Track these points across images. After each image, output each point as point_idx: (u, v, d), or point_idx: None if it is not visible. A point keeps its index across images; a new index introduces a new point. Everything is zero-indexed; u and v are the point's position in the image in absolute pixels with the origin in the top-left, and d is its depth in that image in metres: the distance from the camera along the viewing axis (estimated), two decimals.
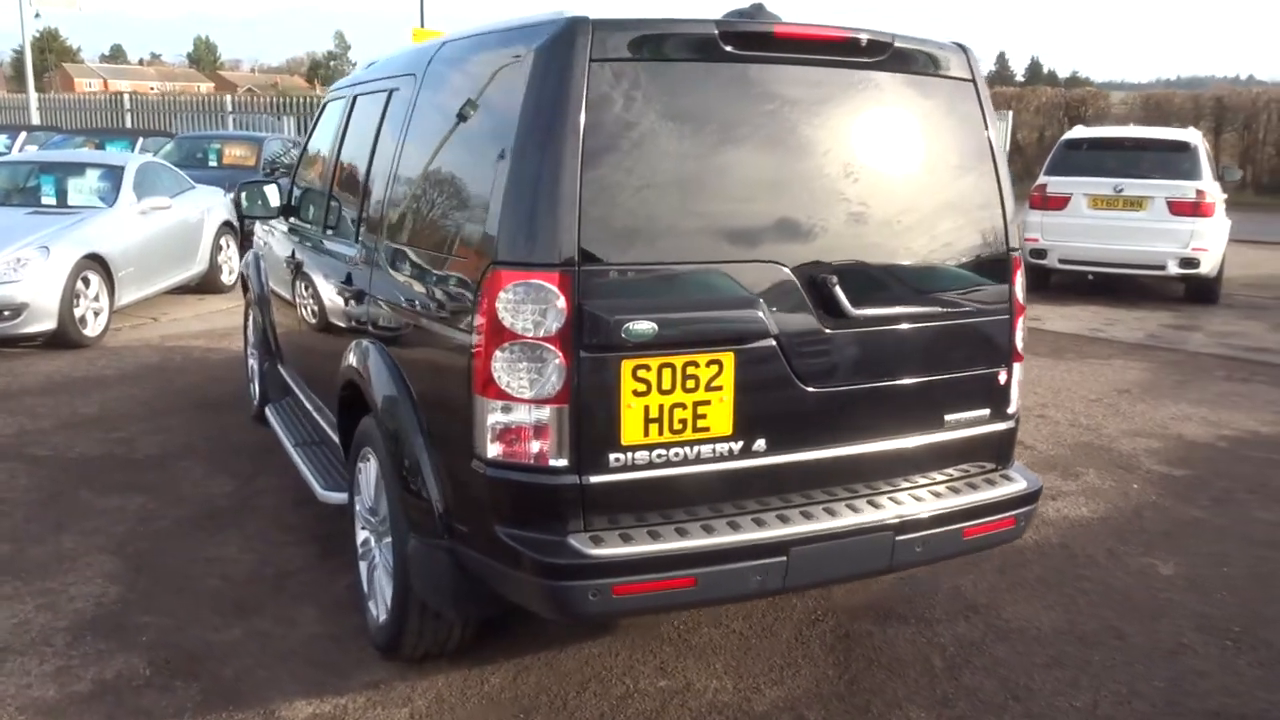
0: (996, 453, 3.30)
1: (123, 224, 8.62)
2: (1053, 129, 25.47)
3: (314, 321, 4.41)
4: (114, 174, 8.99)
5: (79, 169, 9.12)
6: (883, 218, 3.01)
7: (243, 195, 5.06)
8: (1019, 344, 3.30)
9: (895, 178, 3.05)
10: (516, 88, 2.74)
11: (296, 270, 4.63)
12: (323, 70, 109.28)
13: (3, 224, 8.04)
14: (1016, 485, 3.23)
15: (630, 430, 2.71)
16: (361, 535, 3.70)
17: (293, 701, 3.23)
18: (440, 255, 3.02)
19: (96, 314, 8.06)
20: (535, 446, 2.68)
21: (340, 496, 3.94)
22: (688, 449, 2.78)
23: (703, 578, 2.71)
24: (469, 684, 3.33)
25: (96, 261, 8.04)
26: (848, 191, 2.96)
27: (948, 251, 3.14)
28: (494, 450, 2.71)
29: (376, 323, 3.44)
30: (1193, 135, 11.66)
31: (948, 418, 3.16)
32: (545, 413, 2.66)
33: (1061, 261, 11.07)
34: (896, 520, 2.96)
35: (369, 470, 3.51)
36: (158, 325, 9.01)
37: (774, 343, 2.83)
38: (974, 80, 3.18)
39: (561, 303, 2.61)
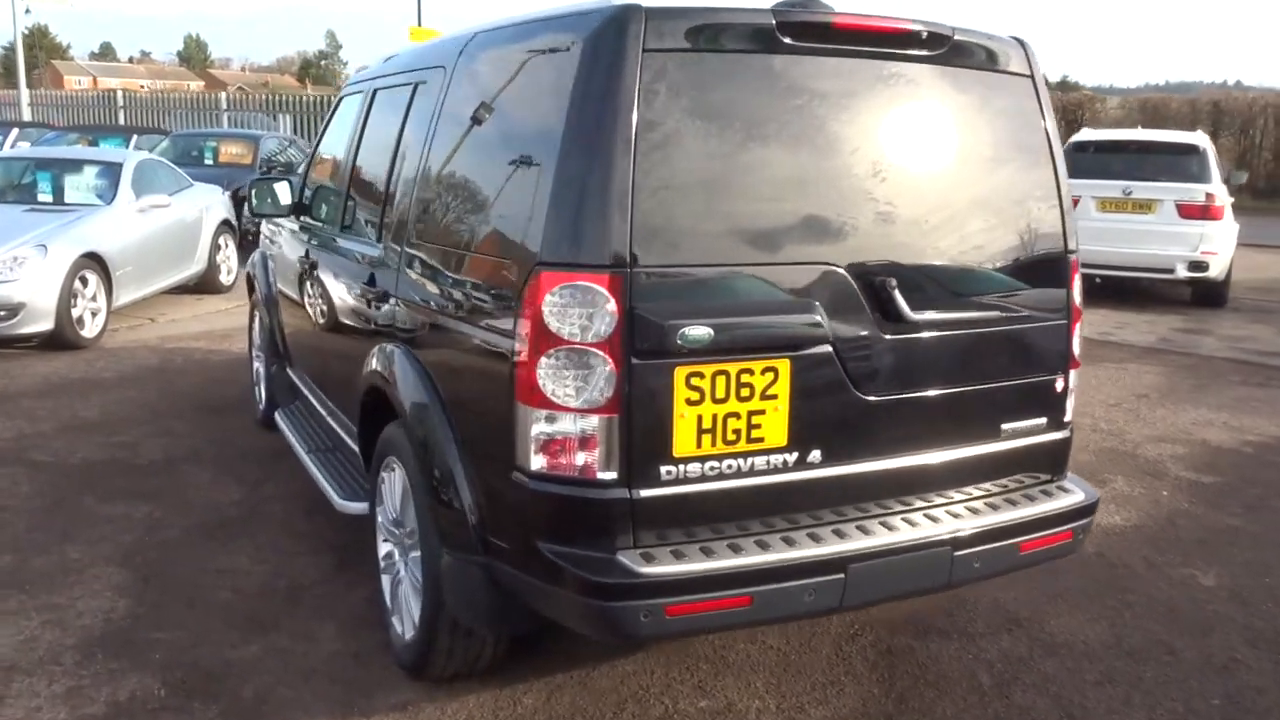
0: (1052, 463, 3.17)
1: (121, 222, 8.44)
2: None
3: (330, 324, 4.25)
4: (112, 171, 8.81)
5: (76, 166, 8.94)
6: (939, 218, 2.87)
7: (253, 192, 4.90)
8: (1076, 350, 3.17)
9: (951, 176, 2.91)
10: (563, 79, 2.60)
11: (310, 271, 4.47)
12: (314, 69, 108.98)
13: None
14: (1074, 497, 3.10)
15: (683, 441, 2.57)
16: (384, 548, 3.55)
17: None
18: (476, 256, 2.87)
19: (94, 314, 7.88)
20: (582, 458, 2.54)
21: (359, 507, 3.79)
22: (741, 461, 2.64)
23: (758, 597, 2.57)
24: (500, 705, 3.19)
25: (94, 260, 7.86)
26: (904, 190, 2.83)
27: (1005, 253, 3.01)
28: (537, 462, 2.56)
29: (403, 326, 3.29)
30: (1200, 138, 11.58)
31: (1004, 427, 3.02)
32: (593, 423, 2.51)
33: None
34: (954, 535, 2.82)
35: (393, 480, 3.36)
36: (156, 326, 8.83)
37: (830, 349, 2.69)
38: (1032, 76, 3.05)
39: (612, 306, 2.47)
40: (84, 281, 7.72)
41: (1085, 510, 3.10)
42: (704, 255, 2.57)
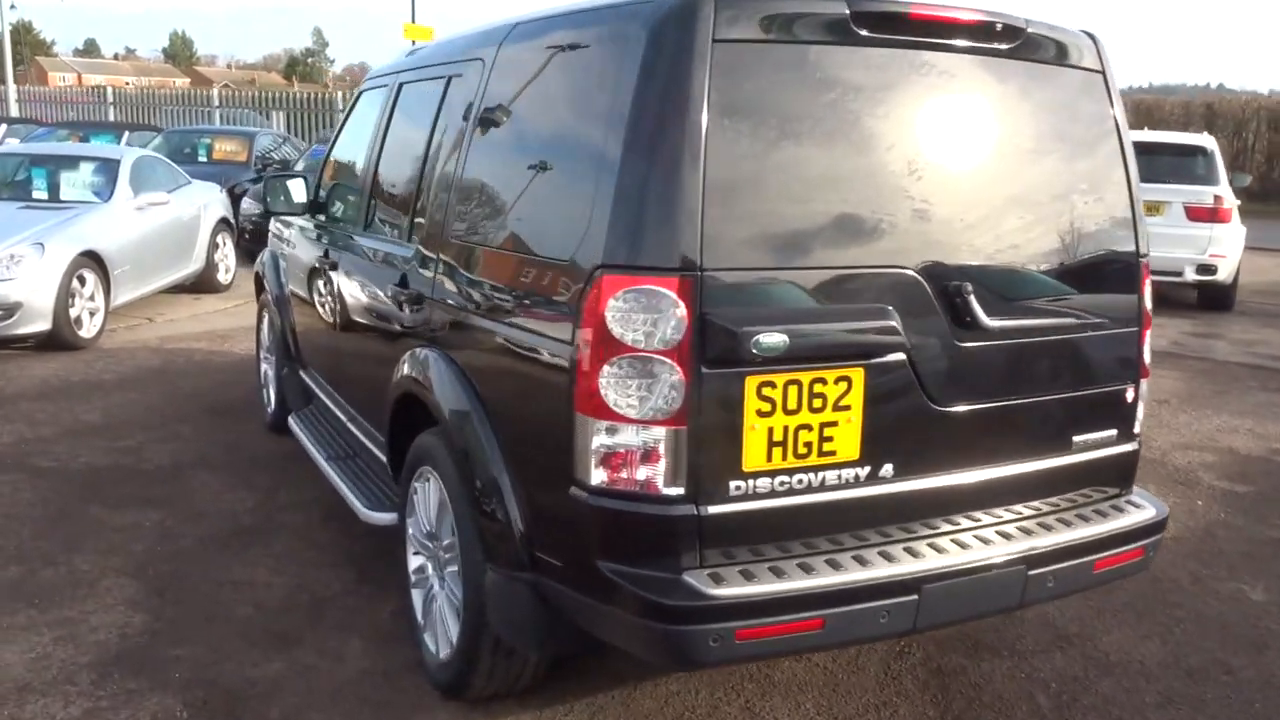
0: (1121, 476, 3.04)
1: (119, 220, 8.25)
2: None
3: (352, 326, 4.09)
4: (109, 168, 8.61)
5: (72, 162, 8.73)
6: (1011, 219, 2.74)
7: (266, 189, 4.74)
8: (1147, 358, 3.04)
9: (1023, 176, 2.78)
10: (624, 72, 2.45)
11: (329, 271, 4.31)
12: (300, 67, 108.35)
13: None
14: (1145, 513, 2.97)
15: (752, 455, 2.42)
16: (415, 561, 3.40)
17: None
18: (526, 258, 2.72)
19: (92, 314, 7.69)
20: (646, 473, 2.39)
21: (386, 517, 3.64)
22: (812, 475, 2.50)
23: (831, 619, 2.43)
24: None
25: (92, 259, 7.67)
26: (977, 190, 2.69)
27: (1076, 257, 2.88)
28: (598, 476, 2.42)
29: (441, 330, 3.14)
30: (1208, 140, 11.51)
31: (1075, 439, 2.89)
32: (659, 435, 2.37)
33: None
34: (1029, 553, 2.69)
35: (428, 491, 3.21)
36: (154, 326, 8.63)
37: (904, 357, 2.55)
38: (1104, 72, 2.92)
39: (681, 311, 2.32)
40: (82, 281, 7.53)
41: (1157, 526, 2.97)
42: (775, 258, 2.43)
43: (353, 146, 4.45)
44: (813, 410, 2.46)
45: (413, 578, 3.40)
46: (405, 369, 3.32)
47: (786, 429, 2.44)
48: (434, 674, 3.18)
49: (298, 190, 4.81)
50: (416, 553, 3.39)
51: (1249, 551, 4.55)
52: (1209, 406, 7.08)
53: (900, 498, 2.62)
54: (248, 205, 11.77)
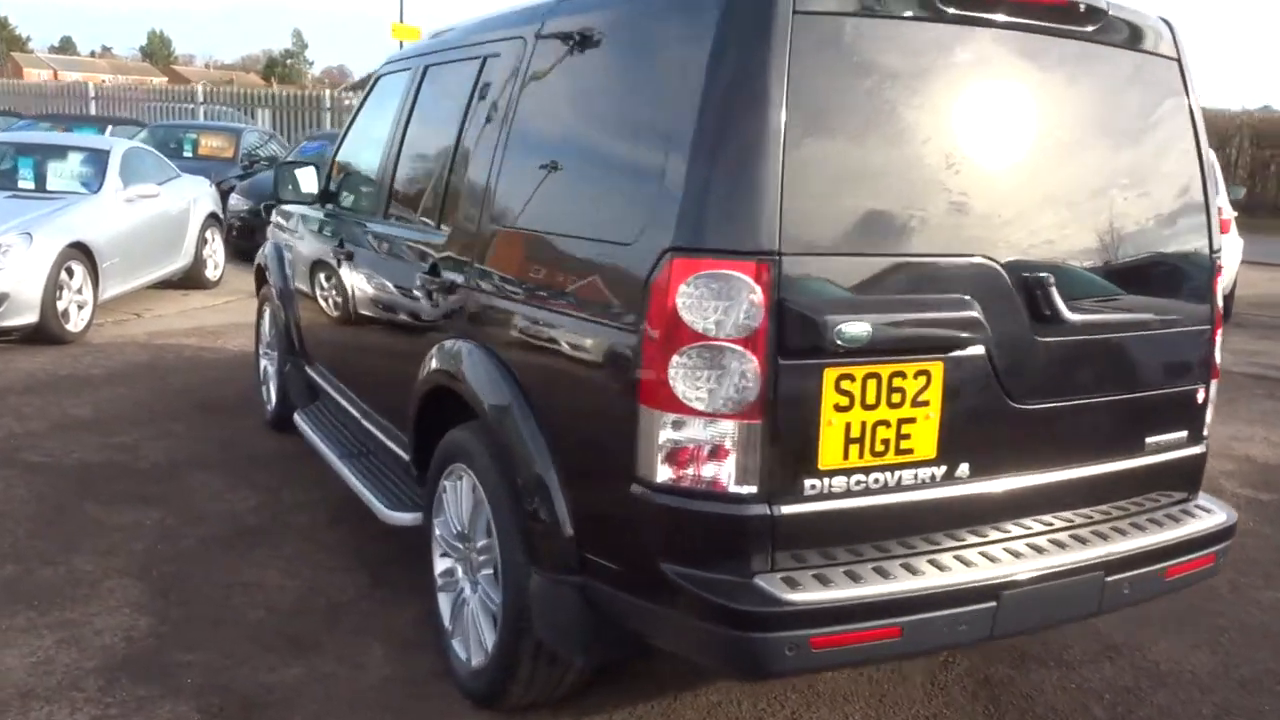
0: (1189, 480, 2.92)
1: (108, 212, 8.02)
2: None
3: (371, 318, 3.92)
4: (99, 158, 8.38)
5: (60, 152, 8.49)
6: (1091, 210, 2.62)
7: (276, 178, 4.56)
8: (1217, 358, 2.92)
9: (1100, 164, 2.66)
10: (695, 45, 2.30)
11: (344, 262, 4.13)
12: (279, 68, 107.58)
13: None
14: (1216, 518, 2.85)
15: (829, 452, 2.28)
16: (443, 564, 3.23)
17: None
18: (583, 241, 2.56)
19: (80, 307, 7.45)
20: (716, 469, 2.24)
21: (409, 518, 3.47)
22: (888, 475, 2.35)
23: (909, 627, 2.28)
24: None
25: (81, 251, 7.43)
26: (1057, 178, 2.57)
27: (1153, 251, 2.76)
28: (664, 473, 2.26)
29: (478, 320, 2.97)
30: (1207, 151, 11.47)
31: (1148, 440, 2.77)
32: (732, 429, 2.22)
33: None
34: (1107, 558, 2.56)
35: (460, 490, 3.04)
36: (142, 321, 8.40)
37: (983, 350, 2.41)
38: (1180, 60, 2.80)
39: (758, 297, 2.18)
40: (70, 273, 7.30)
41: (1227, 532, 2.85)
42: (854, 243, 2.29)
43: (369, 134, 4.28)
44: (891, 405, 2.32)
45: (439, 581, 3.23)
46: (435, 362, 3.15)
47: (864, 425, 2.30)
48: (465, 682, 3.01)
49: (308, 179, 4.64)
50: (444, 554, 3.22)
51: None
52: (1220, 415, 6.99)
53: (975, 499, 2.48)
54: (235, 201, 11.55)
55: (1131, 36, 2.70)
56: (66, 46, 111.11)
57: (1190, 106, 2.81)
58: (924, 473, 2.39)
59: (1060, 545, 2.54)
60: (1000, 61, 2.47)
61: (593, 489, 2.52)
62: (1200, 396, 2.88)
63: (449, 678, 3.12)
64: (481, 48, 3.34)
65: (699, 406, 2.22)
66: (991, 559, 2.43)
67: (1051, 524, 2.63)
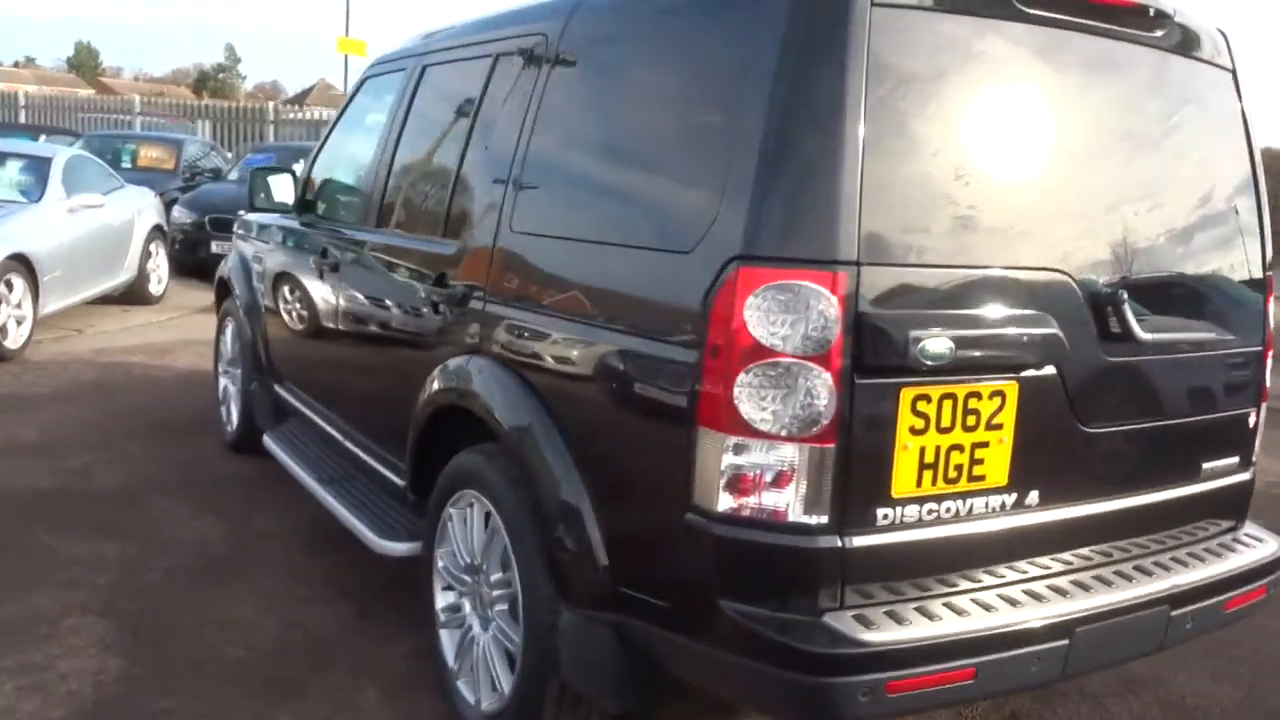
0: (1238, 508, 2.81)
1: (50, 222, 7.61)
2: None
3: (360, 333, 3.68)
4: (40, 166, 7.96)
5: None
6: (1156, 222, 2.50)
7: (250, 185, 4.31)
8: (1267, 380, 2.82)
9: (1164, 177, 2.55)
10: (763, 36, 2.14)
11: (327, 274, 3.89)
12: (211, 82, 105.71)
13: None
14: (1268, 547, 2.74)
15: (902, 479, 2.11)
16: (446, 598, 3.00)
17: None
18: (627, 250, 2.37)
19: (19, 322, 7.03)
20: (784, 498, 2.06)
21: (404, 547, 3.23)
22: (959, 503, 2.19)
23: (983, 668, 2.12)
24: None
25: (20, 263, 7.02)
26: (1122, 188, 2.45)
27: (1210, 269, 2.66)
28: (725, 502, 2.07)
29: (496, 336, 2.76)
30: None
31: (1205, 466, 2.65)
32: (803, 454, 2.04)
33: None
34: (1173, 591, 2.42)
35: (470, 518, 2.82)
36: (84, 338, 7.99)
37: (1055, 370, 2.27)
38: (1235, 71, 2.71)
39: (834, 311, 2.01)
40: (9, 286, 6.89)
41: (1278, 562, 2.74)
42: (931, 253, 2.14)
43: (356, 139, 4.05)
44: (966, 429, 2.16)
45: (441, 616, 3.00)
46: (442, 380, 2.93)
47: (938, 449, 2.14)
48: None
49: (283, 187, 4.39)
50: (448, 588, 2.99)
51: None
52: None
53: (1042, 529, 2.34)
54: (179, 214, 11.13)
55: (1192, 44, 2.60)
56: None
57: (1244, 122, 2.72)
58: (995, 501, 2.24)
59: (1126, 578, 2.40)
60: (1071, 65, 2.35)
61: (634, 518, 2.33)
62: (1251, 420, 2.78)
63: None
64: (492, 45, 3.14)
65: (766, 429, 2.04)
66: (1062, 593, 2.28)
67: (1110, 555, 2.49)
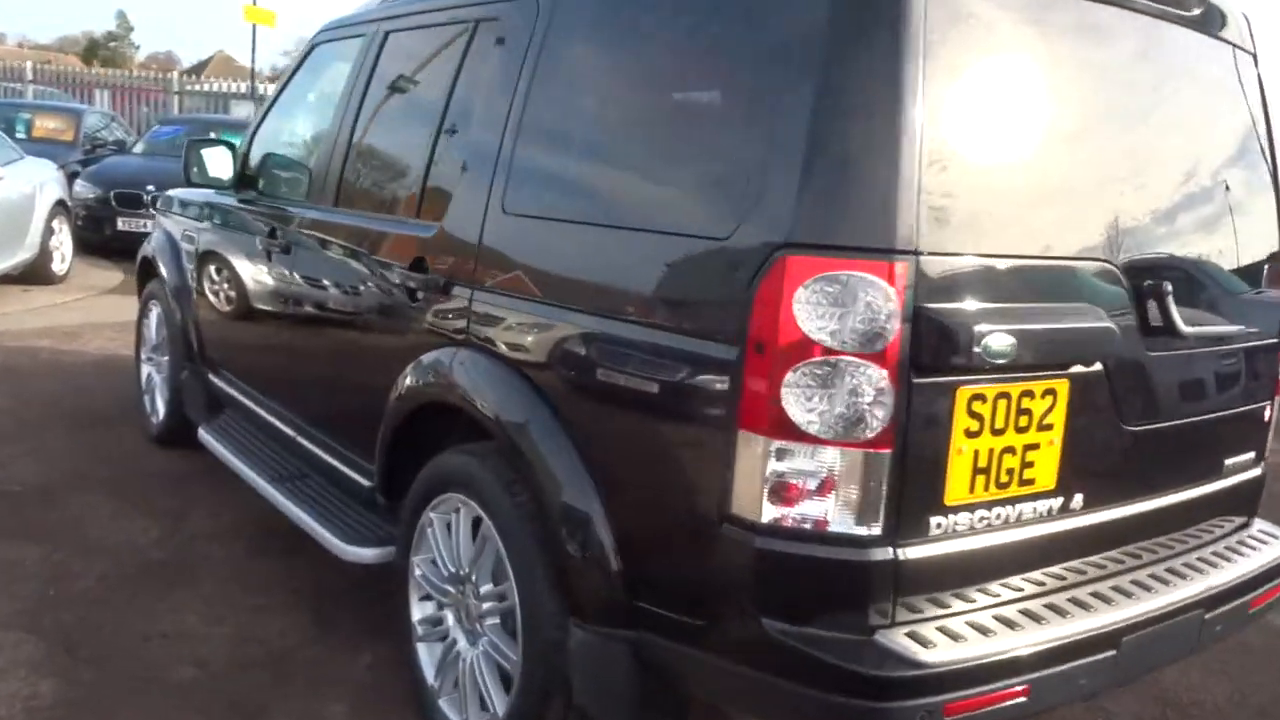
0: (1249, 504, 2.74)
1: None
2: None
3: (318, 320, 3.41)
4: None
5: None
6: (1189, 211, 2.41)
7: (185, 159, 3.97)
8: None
9: (1199, 163, 2.46)
10: (806, 7, 1.96)
11: (276, 256, 3.59)
12: (102, 50, 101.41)
13: None
14: None
15: (956, 485, 1.97)
16: (424, 609, 2.78)
17: None
18: (648, 234, 2.16)
19: None
20: (834, 507, 1.89)
21: (374, 553, 2.99)
22: (1009, 509, 2.06)
23: (1036, 685, 1.99)
24: None
25: None
26: (1162, 175, 2.36)
27: (1235, 260, 2.57)
28: (769, 512, 1.90)
29: (486, 325, 2.53)
30: None
31: (1227, 462, 2.57)
32: (855, 460, 1.87)
33: None
34: (1206, 594, 2.33)
35: (455, 524, 2.61)
36: None
37: (1101, 367, 2.15)
38: (1256, 55, 2.62)
39: (893, 304, 1.84)
40: None
41: None
42: (989, 242, 1.99)
43: (305, 111, 3.76)
44: (1018, 430, 2.02)
45: (419, 629, 2.77)
46: (421, 375, 2.70)
47: (991, 452, 2.00)
48: None
49: (220, 161, 4.05)
50: (426, 597, 2.77)
51: None
52: None
53: (1085, 532, 2.22)
54: (81, 188, 10.50)
55: (1222, 25, 2.50)
56: None
57: (1265, 108, 2.63)
58: (1042, 505, 2.11)
59: (1163, 582, 2.30)
60: (1117, 43, 2.23)
61: (654, 528, 2.14)
62: (1267, 415, 2.71)
63: None
64: (469, 10, 2.89)
65: (815, 432, 1.87)
66: (1106, 600, 2.16)
67: (1140, 557, 2.39)
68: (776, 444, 1.88)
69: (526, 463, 2.34)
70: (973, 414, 1.95)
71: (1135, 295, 2.20)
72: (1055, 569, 2.20)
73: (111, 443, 4.90)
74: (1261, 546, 2.62)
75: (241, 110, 17.47)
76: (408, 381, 2.76)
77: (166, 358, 4.77)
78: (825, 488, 1.88)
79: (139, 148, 11.95)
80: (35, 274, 8.67)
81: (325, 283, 3.31)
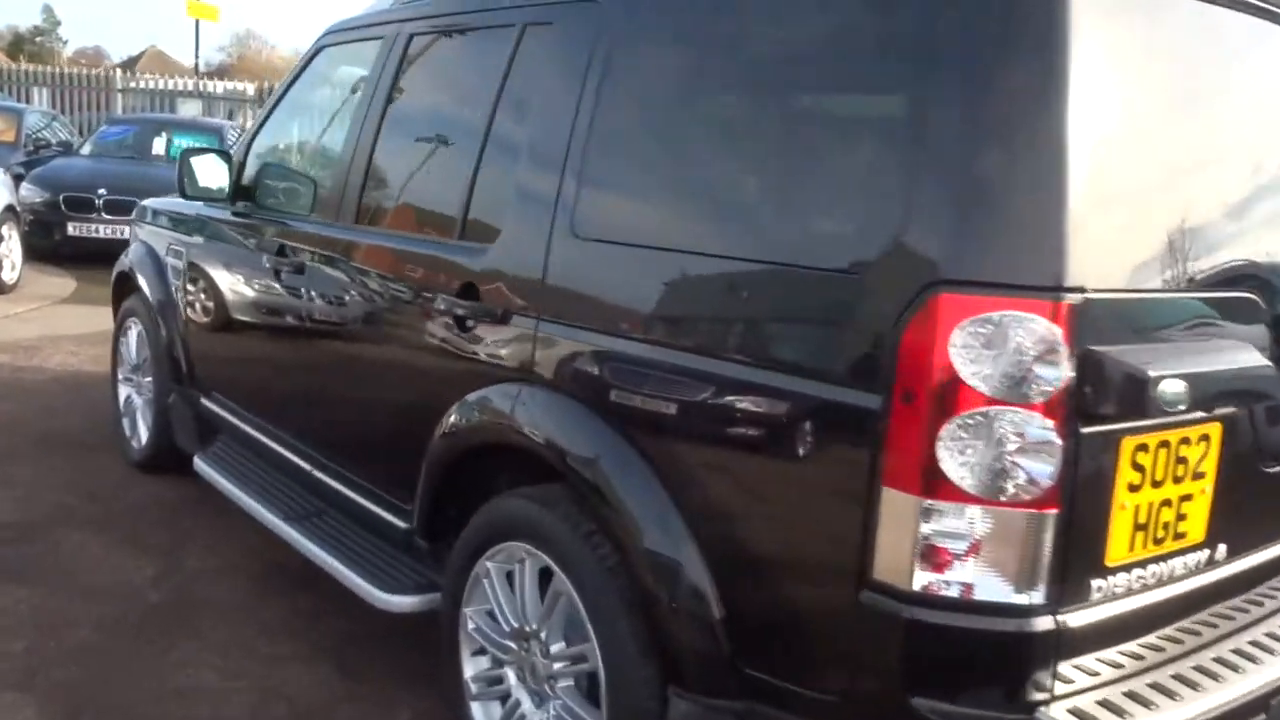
0: None
1: None
2: None
3: (341, 348, 3.16)
4: None
5: None
6: None
7: (180, 169, 3.69)
8: None
9: None
10: (938, 11, 1.77)
11: (286, 276, 3.33)
12: (29, 46, 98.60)
13: None
14: None
15: (1117, 543, 1.80)
16: (477, 665, 2.56)
17: None
18: (759, 265, 1.95)
19: None
20: (992, 573, 1.71)
21: (415, 601, 2.77)
22: (1163, 566, 1.90)
23: None
24: None
25: None
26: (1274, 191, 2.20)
27: None
28: (921, 578, 1.71)
29: (556, 363, 2.31)
30: None
31: None
32: (1017, 520, 1.69)
33: None
34: None
35: (521, 575, 2.39)
36: None
37: (1247, 407, 2.00)
38: None
39: (1061, 348, 1.66)
40: None
41: None
42: (1156, 277, 1.83)
43: (315, 119, 3.50)
44: (1175, 480, 1.86)
45: (473, 686, 2.55)
46: (478, 411, 2.48)
47: (1150, 506, 1.83)
48: None
49: (214, 172, 3.77)
50: (480, 652, 2.55)
51: None
52: None
53: (1224, 583, 2.07)
54: (28, 192, 10.03)
55: None
56: None
57: None
58: (1192, 559, 1.96)
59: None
60: (1253, 53, 2.07)
61: (771, 590, 1.94)
62: None
63: None
64: (516, 13, 2.65)
65: (972, 490, 1.68)
66: (1251, 659, 2.01)
67: (1262, 604, 2.24)
68: (929, 504, 1.69)
69: (612, 512, 2.13)
70: (1136, 466, 1.78)
71: (1274, 328, 2.05)
72: (1192, 623, 2.04)
73: (90, 471, 4.58)
74: None
75: (189, 109, 16.91)
76: (458, 419, 2.53)
77: (149, 379, 4.47)
78: (983, 552, 1.70)
79: (86, 149, 11.46)
80: None
81: (348, 307, 3.06)
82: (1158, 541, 1.86)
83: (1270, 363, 1.95)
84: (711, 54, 2.17)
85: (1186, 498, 1.89)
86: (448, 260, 2.67)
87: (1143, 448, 1.78)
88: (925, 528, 1.70)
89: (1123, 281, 1.76)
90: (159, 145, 11.06)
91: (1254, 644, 2.07)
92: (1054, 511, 1.69)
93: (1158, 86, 1.86)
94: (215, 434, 4.06)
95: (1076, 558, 1.75)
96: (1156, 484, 1.83)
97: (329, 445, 3.23)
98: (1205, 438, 1.89)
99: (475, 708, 2.54)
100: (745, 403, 1.94)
